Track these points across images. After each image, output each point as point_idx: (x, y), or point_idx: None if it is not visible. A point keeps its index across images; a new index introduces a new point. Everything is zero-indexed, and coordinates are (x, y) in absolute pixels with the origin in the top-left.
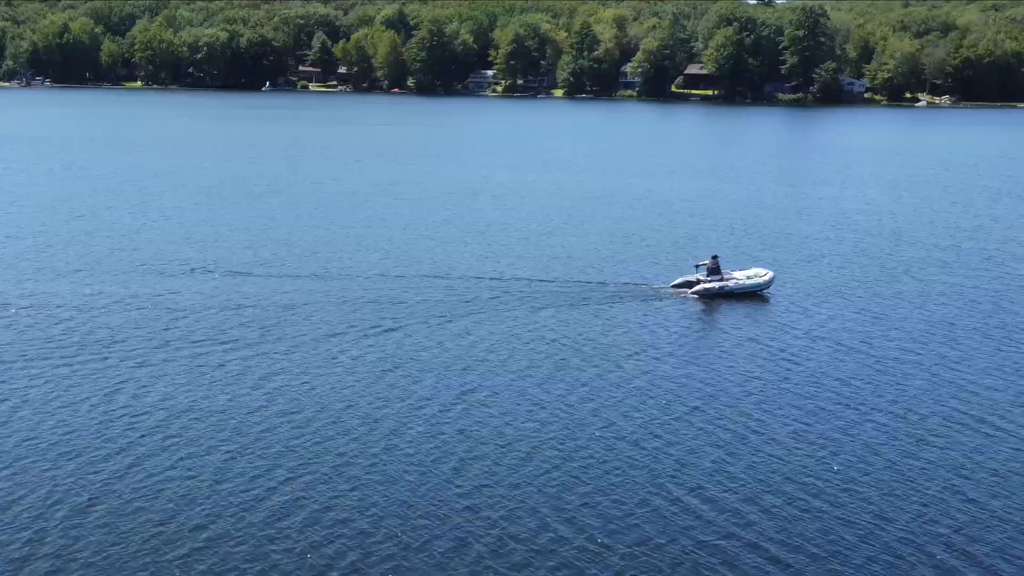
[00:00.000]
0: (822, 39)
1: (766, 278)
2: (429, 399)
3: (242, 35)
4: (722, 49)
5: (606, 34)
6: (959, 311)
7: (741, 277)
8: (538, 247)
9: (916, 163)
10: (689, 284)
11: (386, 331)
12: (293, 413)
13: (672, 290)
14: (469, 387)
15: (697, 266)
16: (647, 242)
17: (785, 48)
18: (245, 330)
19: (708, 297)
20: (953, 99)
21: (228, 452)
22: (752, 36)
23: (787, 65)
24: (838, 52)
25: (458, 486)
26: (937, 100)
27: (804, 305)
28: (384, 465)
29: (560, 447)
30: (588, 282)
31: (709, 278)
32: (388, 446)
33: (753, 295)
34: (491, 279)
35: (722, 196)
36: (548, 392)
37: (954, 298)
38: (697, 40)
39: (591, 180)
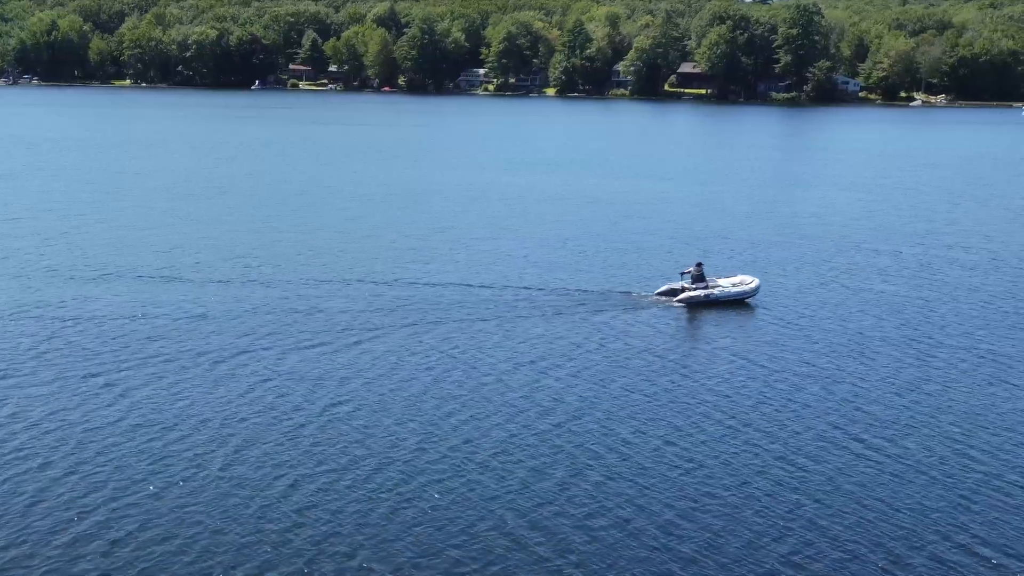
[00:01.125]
0: (816, 37)
1: (752, 285)
2: (407, 407)
3: (232, 33)
4: (715, 47)
5: (599, 32)
6: (943, 318)
7: (727, 284)
8: (516, 253)
9: (902, 165)
10: (674, 292)
11: (354, 343)
12: (269, 422)
13: (656, 298)
14: (444, 397)
15: (682, 273)
16: (631, 248)
17: (779, 46)
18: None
19: (693, 305)
20: (949, 98)
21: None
22: (746, 34)
23: (781, 64)
24: (832, 51)
25: (421, 499)
26: (933, 99)
27: (790, 313)
28: (356, 476)
29: (537, 457)
30: (569, 290)
31: (694, 286)
32: (358, 457)
33: (739, 303)
34: (469, 286)
35: (708, 200)
36: (523, 402)
37: (938, 305)
38: (690, 38)
39: (575, 183)
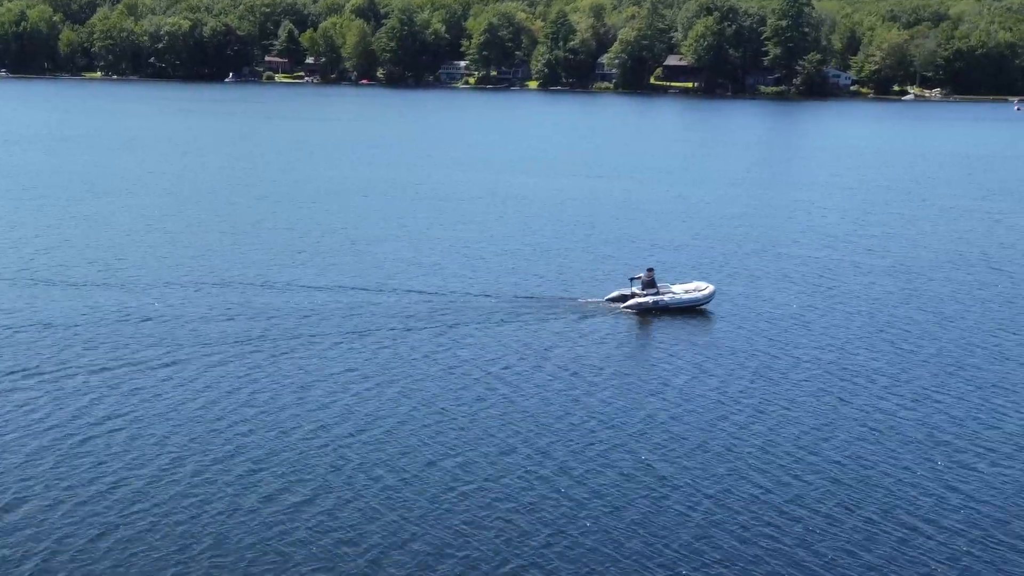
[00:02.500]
0: (806, 29)
1: (705, 292)
2: (341, 419)
3: (205, 24)
4: (702, 39)
5: (583, 23)
6: (903, 324)
7: (679, 291)
8: (460, 257)
9: (884, 164)
10: (624, 298)
11: (283, 353)
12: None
13: (606, 304)
14: (384, 408)
15: (632, 279)
16: (584, 252)
17: (768, 39)
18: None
19: (643, 312)
20: (944, 92)
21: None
22: (733, 26)
23: (770, 56)
24: (823, 43)
25: (352, 513)
26: (927, 93)
27: (742, 321)
28: (270, 493)
29: (473, 467)
30: (515, 296)
31: (644, 292)
32: (277, 473)
33: (692, 310)
34: (414, 292)
35: (673, 202)
36: (460, 412)
37: (899, 311)
38: (677, 30)
39: (534, 183)
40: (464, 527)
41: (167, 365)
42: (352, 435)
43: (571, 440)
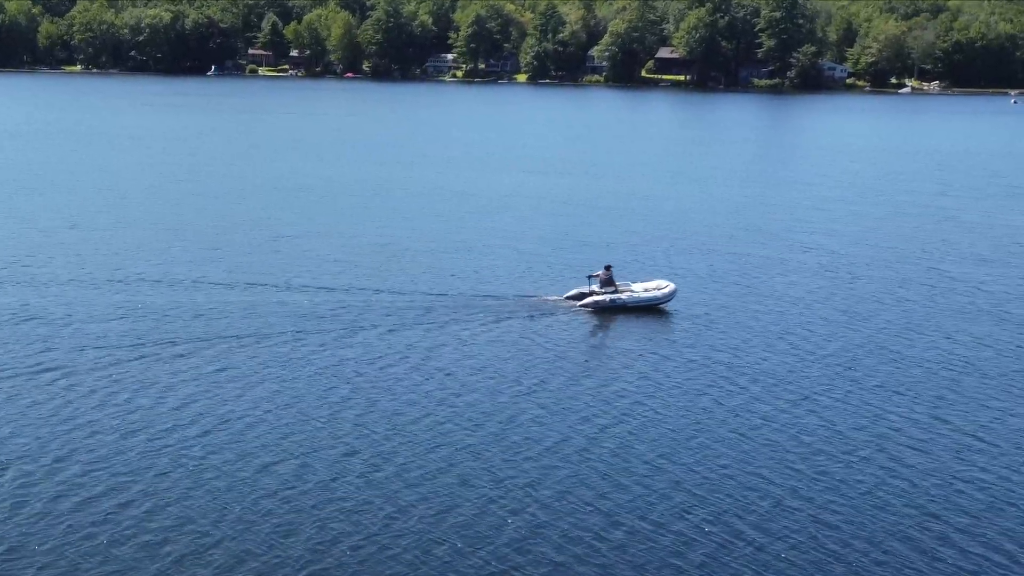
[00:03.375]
0: (801, 21)
1: (665, 291)
2: (295, 422)
3: (187, 16)
4: (694, 31)
5: (572, 15)
6: (866, 324)
7: (639, 289)
8: (425, 255)
9: (863, 160)
10: (583, 296)
11: (235, 352)
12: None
13: (564, 303)
14: (339, 408)
15: (589, 277)
16: (552, 250)
17: (761, 30)
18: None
19: (600, 311)
20: (943, 85)
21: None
22: (726, 17)
23: (763, 49)
24: (818, 35)
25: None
26: (925, 86)
27: (702, 320)
28: (238, 496)
29: (423, 468)
30: (475, 295)
31: (602, 290)
32: (238, 476)
33: (652, 309)
34: (368, 290)
35: (647, 200)
36: (412, 410)
37: (862, 313)
38: (668, 22)
39: (509, 180)
40: (383, 535)
41: (54, 368)
42: (288, 437)
43: (510, 441)
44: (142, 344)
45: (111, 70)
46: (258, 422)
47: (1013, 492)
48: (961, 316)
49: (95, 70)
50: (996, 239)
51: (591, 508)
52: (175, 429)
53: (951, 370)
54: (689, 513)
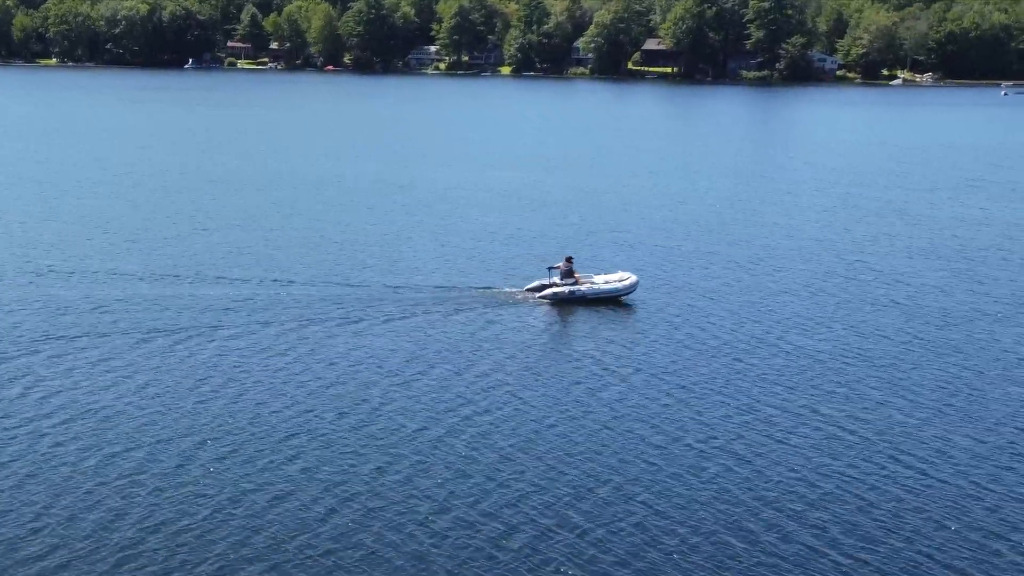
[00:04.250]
0: (790, 11)
1: (625, 283)
2: (223, 416)
3: (164, 8)
4: (681, 22)
5: (557, 6)
6: (829, 319)
7: (600, 281)
8: (386, 248)
9: (833, 154)
10: (544, 288)
11: (181, 346)
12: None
13: (525, 294)
14: (293, 403)
15: (550, 268)
16: (517, 243)
17: (750, 21)
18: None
19: (560, 303)
20: (936, 76)
21: None
22: (714, 8)
23: (752, 40)
24: (808, 26)
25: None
26: (918, 78)
27: (662, 312)
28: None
29: (368, 463)
30: (435, 287)
31: (562, 282)
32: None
33: (613, 301)
34: (330, 284)
35: (617, 193)
36: (362, 406)
37: (823, 308)
38: (655, 13)
39: (475, 174)
40: (341, 530)
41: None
42: (238, 432)
43: (465, 433)
44: (172, 332)
45: (87, 63)
46: (204, 413)
47: (864, 482)
48: (872, 308)
49: (71, 63)
50: (936, 232)
51: (537, 499)
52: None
53: (841, 361)
54: (637, 503)
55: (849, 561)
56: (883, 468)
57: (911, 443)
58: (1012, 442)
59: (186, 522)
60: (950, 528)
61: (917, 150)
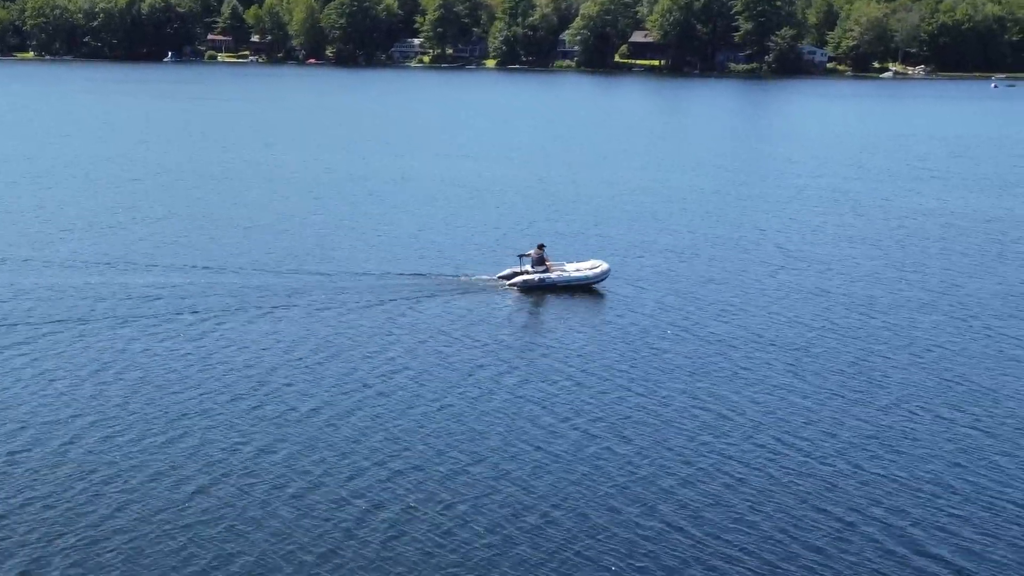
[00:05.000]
0: (779, 3)
1: (596, 271)
2: (192, 404)
3: (143, 0)
4: (668, 14)
5: None
6: (799, 309)
7: (571, 269)
8: (358, 237)
9: (805, 146)
10: (515, 276)
11: (168, 327)
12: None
13: (496, 282)
14: (266, 391)
15: (520, 256)
16: (492, 232)
17: (738, 13)
18: None
19: (530, 290)
20: (928, 69)
21: None
22: (702, 0)
23: (740, 32)
24: (798, 17)
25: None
26: (910, 70)
27: (632, 301)
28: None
29: (338, 454)
30: (403, 274)
31: (533, 269)
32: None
33: (585, 289)
34: (302, 272)
35: (594, 184)
36: (327, 393)
37: (796, 296)
38: (642, 4)
39: (452, 166)
40: (303, 526)
41: None
42: (195, 420)
43: (430, 421)
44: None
45: (65, 56)
46: (171, 399)
47: (741, 461)
48: (799, 296)
49: (48, 57)
50: (885, 221)
51: (503, 489)
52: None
53: (753, 346)
54: (608, 491)
55: (715, 540)
56: (765, 449)
57: (797, 427)
58: (902, 425)
59: (63, 495)
60: (816, 506)
61: (888, 141)
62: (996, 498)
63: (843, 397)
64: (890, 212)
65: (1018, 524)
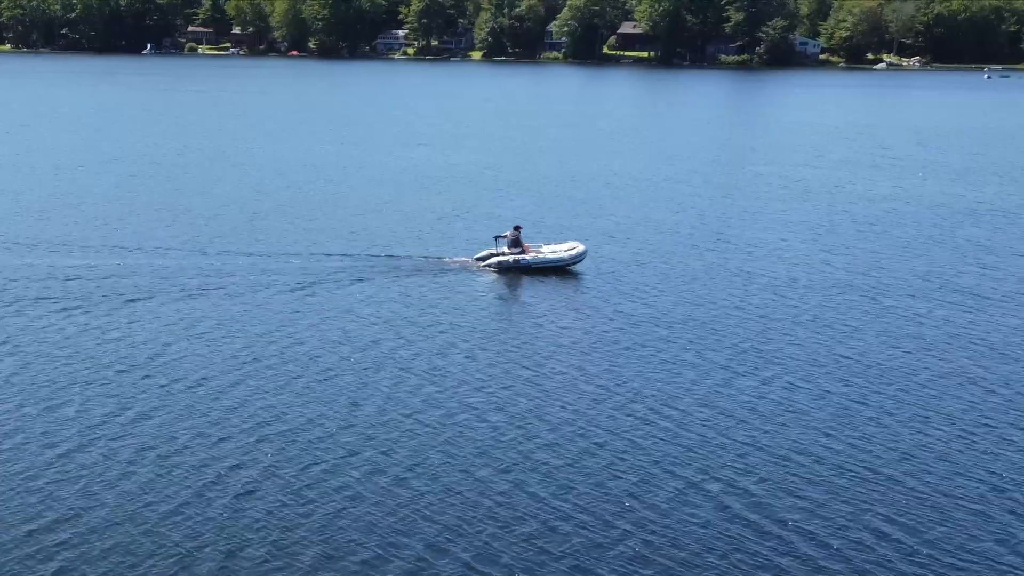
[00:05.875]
0: None
1: (572, 252)
2: (164, 386)
3: None
4: (658, 5)
5: None
6: (775, 291)
7: (547, 251)
8: (338, 219)
9: (773, 136)
10: (492, 257)
11: (129, 305)
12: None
13: (472, 264)
14: (244, 372)
15: (496, 237)
16: (473, 216)
17: (729, 4)
18: None
19: (503, 271)
20: (923, 60)
21: None
22: None
23: (731, 23)
24: (790, 8)
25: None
26: (905, 62)
27: (611, 283)
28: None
29: (299, 437)
30: (377, 255)
31: (509, 251)
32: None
33: (561, 271)
34: (283, 255)
35: (576, 172)
36: (303, 371)
37: (768, 281)
38: None
39: (432, 155)
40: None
41: None
42: (168, 405)
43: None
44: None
45: (42, 49)
46: (129, 379)
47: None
48: (726, 277)
49: (25, 49)
50: (830, 207)
51: (468, 462)
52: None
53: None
54: (580, 472)
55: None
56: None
57: (663, 398)
58: (780, 396)
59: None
60: (686, 478)
61: (857, 131)
62: (860, 465)
63: (728, 369)
64: (837, 198)
65: (876, 488)
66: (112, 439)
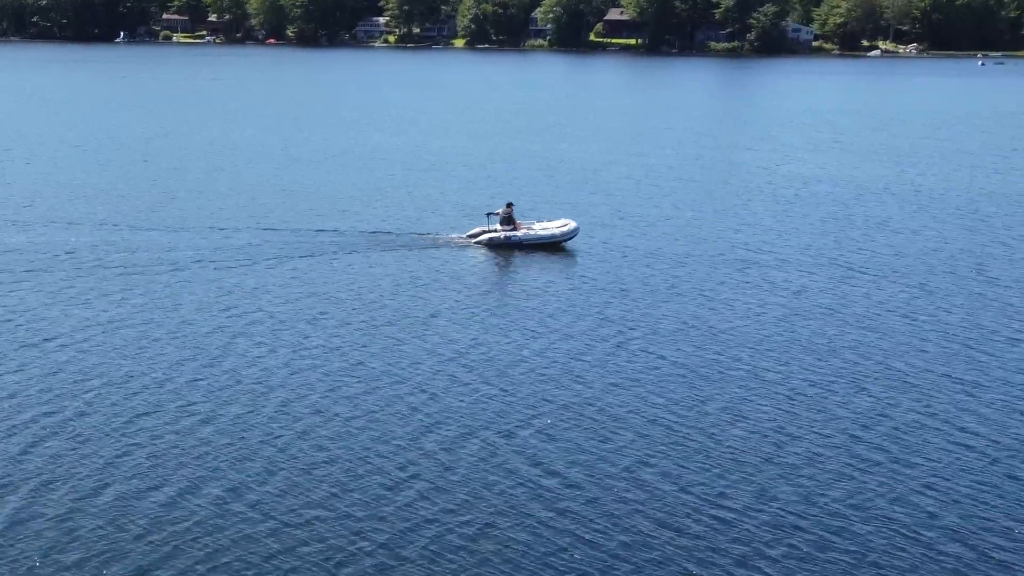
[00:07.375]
0: None
1: (563, 229)
2: (150, 362)
3: None
4: None
5: None
6: (764, 270)
7: (539, 228)
8: (328, 196)
9: (749, 124)
10: (484, 234)
11: (115, 291)
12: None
13: (465, 240)
14: (238, 347)
15: (489, 215)
16: (468, 195)
17: None
18: None
19: (495, 247)
20: (920, 48)
21: None
22: None
23: (721, 9)
24: None
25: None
26: (901, 49)
27: (602, 258)
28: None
29: (292, 414)
30: (370, 232)
31: (501, 227)
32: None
33: (553, 247)
34: (270, 230)
35: (565, 155)
36: (290, 340)
37: (755, 257)
38: None
39: (419, 140)
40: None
41: None
42: (162, 378)
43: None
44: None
45: (12, 37)
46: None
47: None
48: (689, 260)
49: None
50: (793, 189)
51: (457, 451)
52: None
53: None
54: (561, 451)
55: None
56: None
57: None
58: (769, 369)
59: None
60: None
61: (818, 117)
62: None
63: (717, 341)
64: (796, 179)
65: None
66: (106, 430)
